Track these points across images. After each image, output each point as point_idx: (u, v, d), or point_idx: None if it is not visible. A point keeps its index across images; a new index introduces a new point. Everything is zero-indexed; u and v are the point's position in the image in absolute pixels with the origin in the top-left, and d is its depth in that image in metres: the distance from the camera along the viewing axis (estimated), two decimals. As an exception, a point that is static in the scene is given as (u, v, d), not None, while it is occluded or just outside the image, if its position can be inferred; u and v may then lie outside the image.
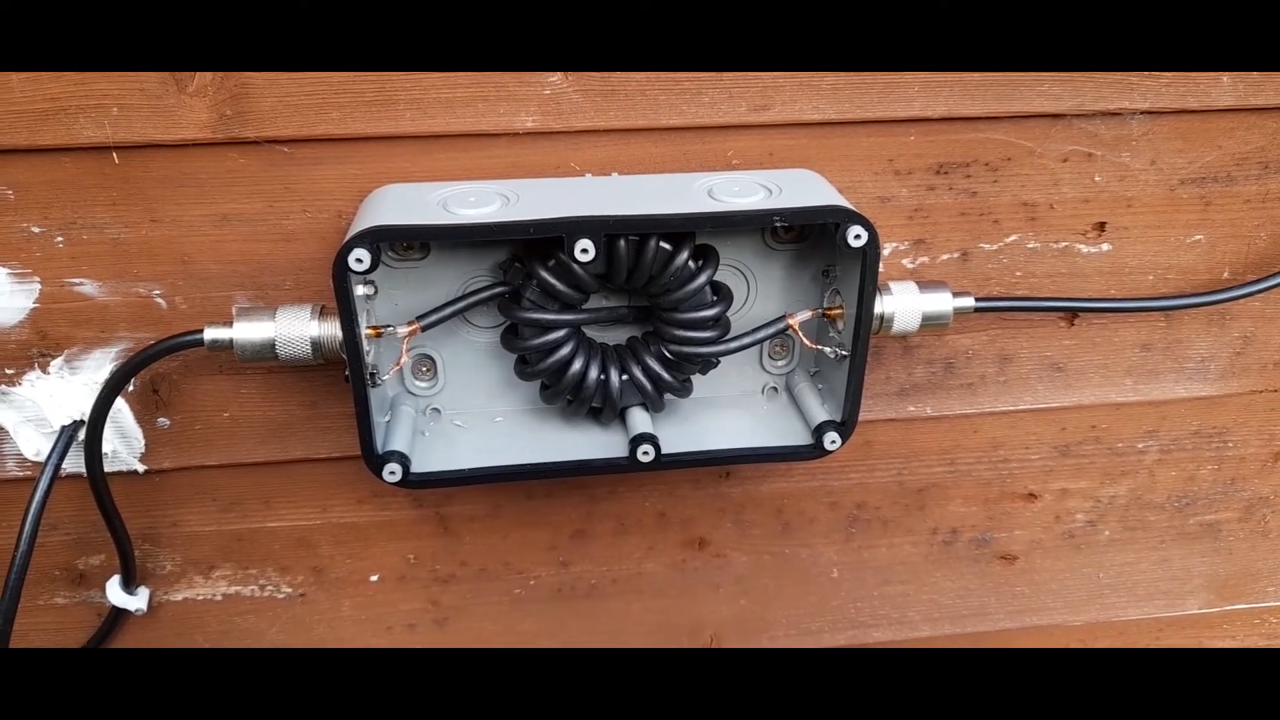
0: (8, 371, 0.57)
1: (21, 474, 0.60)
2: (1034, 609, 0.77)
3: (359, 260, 0.46)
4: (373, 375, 0.52)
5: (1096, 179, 0.60)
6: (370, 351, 0.51)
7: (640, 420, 0.57)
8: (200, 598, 0.67)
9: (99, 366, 0.57)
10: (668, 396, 0.57)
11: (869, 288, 0.51)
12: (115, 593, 0.63)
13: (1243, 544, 0.77)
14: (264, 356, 0.52)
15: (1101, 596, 0.78)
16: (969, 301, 0.57)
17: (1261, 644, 0.82)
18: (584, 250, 0.48)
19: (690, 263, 0.52)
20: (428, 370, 0.58)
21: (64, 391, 0.57)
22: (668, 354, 0.55)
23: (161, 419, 0.59)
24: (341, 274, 0.47)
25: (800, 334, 0.55)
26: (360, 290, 0.51)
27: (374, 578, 0.68)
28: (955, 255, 0.61)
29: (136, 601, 0.64)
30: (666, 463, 0.55)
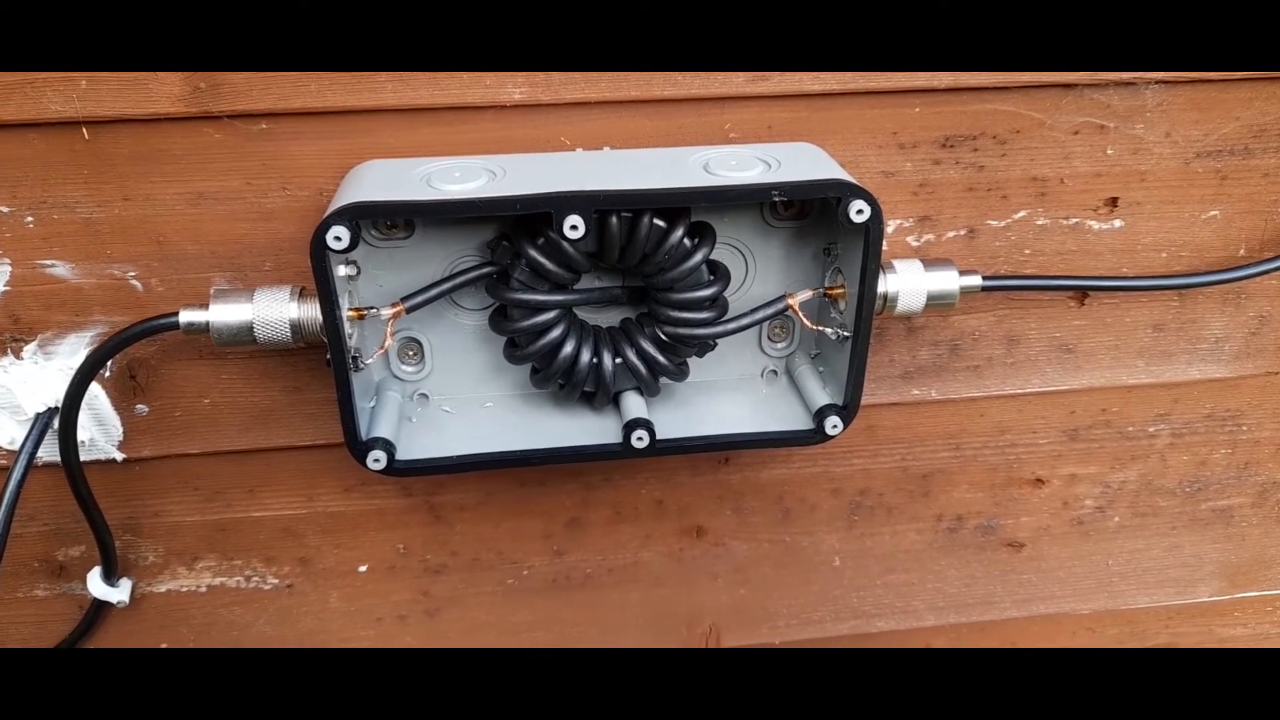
0: (-21, 357, 0.55)
1: (-4, 463, 0.58)
2: (1041, 597, 0.75)
3: (337, 238, 0.44)
4: (355, 359, 0.50)
5: (1109, 152, 0.58)
6: (353, 334, 0.49)
7: (635, 405, 0.55)
8: (184, 589, 0.65)
9: (74, 351, 0.55)
10: (663, 380, 0.55)
11: (872, 266, 0.49)
12: (96, 584, 0.61)
13: (1256, 530, 0.75)
14: (242, 340, 0.50)
15: (1110, 584, 0.76)
16: (976, 280, 0.55)
17: (1273, 632, 0.81)
18: (573, 227, 0.46)
19: (685, 240, 0.50)
20: (414, 354, 0.56)
21: (38, 377, 0.55)
22: (663, 336, 0.53)
23: (140, 405, 0.58)
24: (320, 253, 0.45)
25: (800, 314, 0.53)
26: (341, 270, 0.49)
27: (363, 568, 0.66)
28: (962, 232, 0.59)
29: (118, 593, 0.62)
30: (662, 449, 0.53)
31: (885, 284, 0.53)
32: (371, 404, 0.55)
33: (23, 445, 0.54)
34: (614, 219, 0.48)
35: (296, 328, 0.49)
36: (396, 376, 0.57)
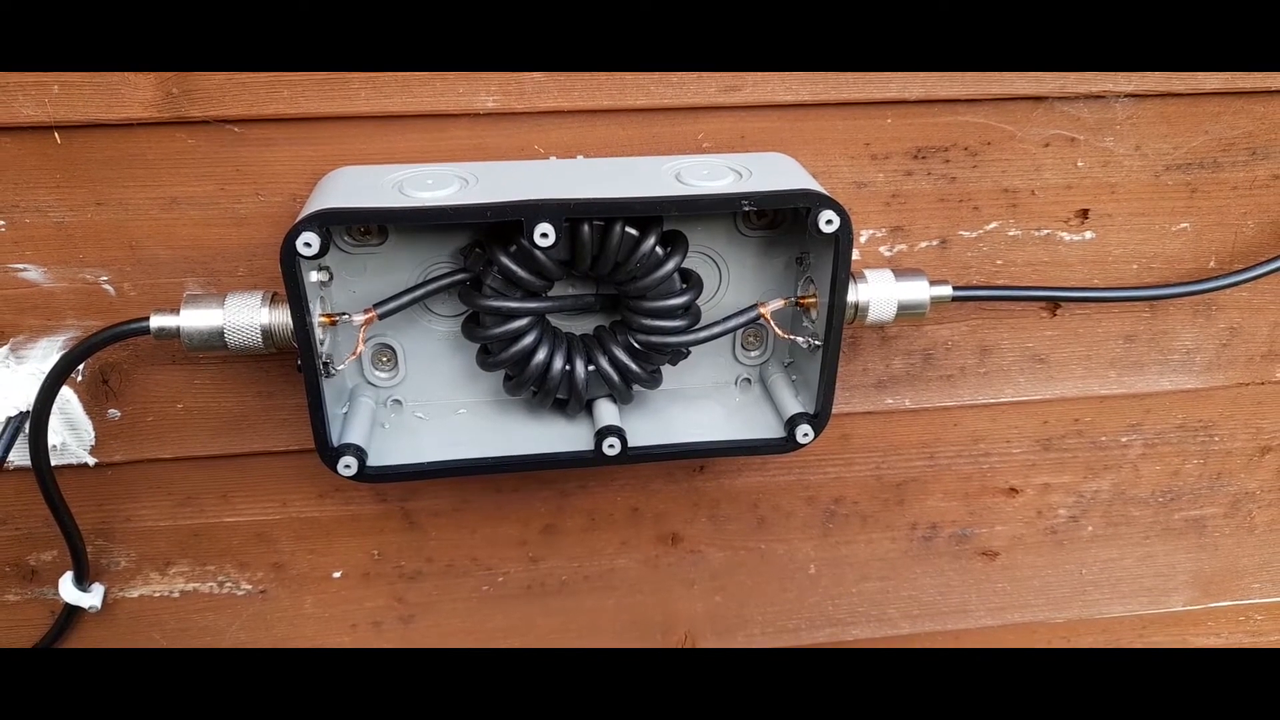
0: (-50, 361, 0.55)
1: (-33, 467, 0.58)
2: (1015, 606, 0.76)
3: (307, 244, 0.44)
4: (327, 365, 0.50)
5: (1079, 164, 0.58)
6: (325, 340, 0.49)
7: (607, 412, 0.55)
8: (157, 594, 0.65)
9: (46, 355, 0.55)
10: (636, 388, 0.55)
11: (842, 275, 0.50)
12: (68, 589, 0.61)
13: (1228, 539, 0.76)
14: (213, 345, 0.50)
15: (1084, 593, 0.76)
16: (946, 290, 0.56)
17: (1246, 642, 0.81)
18: (544, 235, 0.46)
19: (658, 249, 0.50)
20: (388, 360, 0.56)
21: (10, 382, 0.55)
22: (635, 344, 0.53)
23: (112, 410, 0.57)
24: (290, 258, 0.45)
25: (773, 323, 0.53)
26: (313, 276, 0.49)
27: (337, 574, 0.66)
28: (934, 243, 0.60)
29: (90, 599, 0.62)
30: (634, 456, 0.53)
31: (856, 293, 0.53)
32: (344, 410, 0.55)
33: (-7, 449, 0.54)
34: (586, 227, 0.48)
35: (268, 333, 0.49)
36: (370, 382, 0.57)
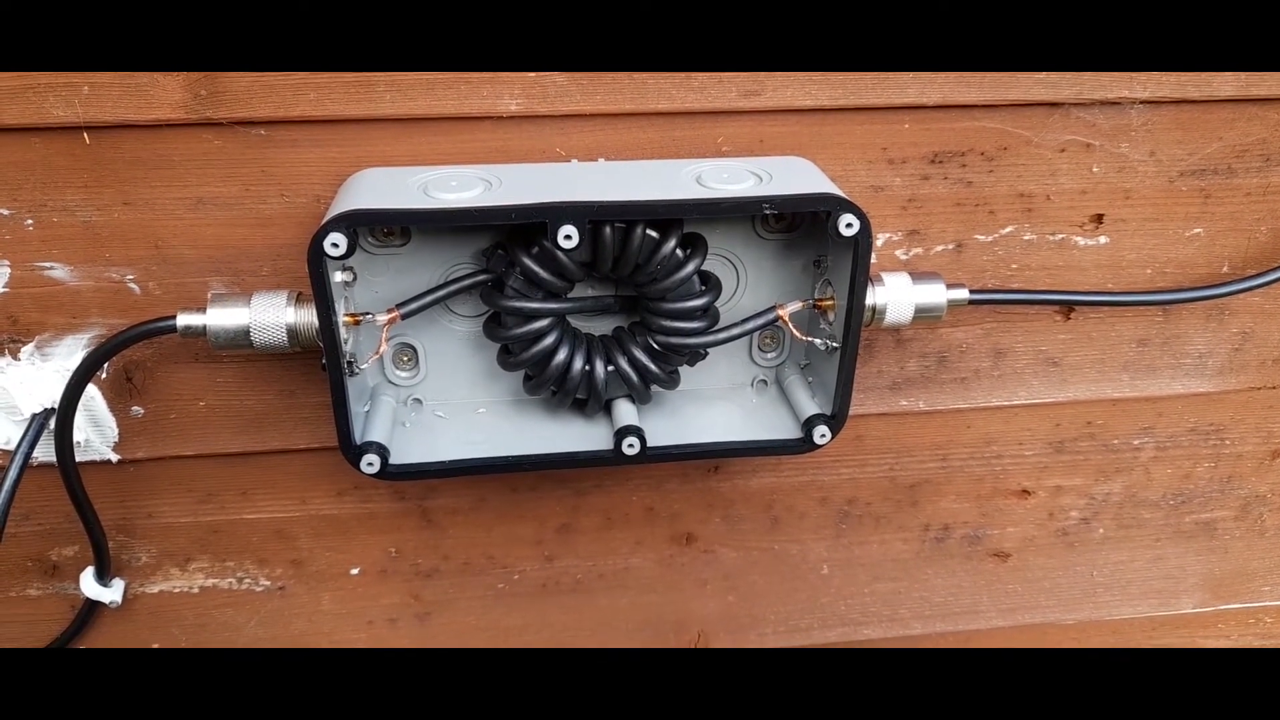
0: (-23, 357, 0.55)
1: (-8, 463, 0.58)
2: (1026, 607, 0.76)
3: (335, 245, 0.45)
4: (350, 364, 0.50)
5: (1094, 170, 0.59)
6: (348, 340, 0.50)
7: (626, 412, 0.55)
8: (177, 590, 0.65)
9: (71, 353, 0.56)
10: (655, 388, 0.56)
11: (860, 278, 0.50)
12: (89, 584, 0.62)
13: (1238, 542, 0.76)
14: (239, 344, 0.50)
15: (1095, 595, 0.77)
16: (963, 294, 0.56)
17: (1256, 644, 0.82)
18: (567, 237, 0.46)
19: (678, 251, 0.50)
20: (409, 360, 0.57)
21: (35, 378, 0.56)
22: (654, 344, 0.54)
23: (135, 407, 0.58)
24: (317, 259, 0.45)
25: (790, 325, 0.54)
26: (338, 276, 0.49)
27: (354, 571, 0.66)
28: (950, 246, 0.60)
29: (111, 594, 0.63)
30: (652, 456, 0.54)
31: (873, 296, 0.54)
32: (366, 408, 0.55)
33: (19, 445, 0.54)
34: (607, 229, 0.49)
35: (293, 332, 0.50)
36: (391, 381, 0.57)
